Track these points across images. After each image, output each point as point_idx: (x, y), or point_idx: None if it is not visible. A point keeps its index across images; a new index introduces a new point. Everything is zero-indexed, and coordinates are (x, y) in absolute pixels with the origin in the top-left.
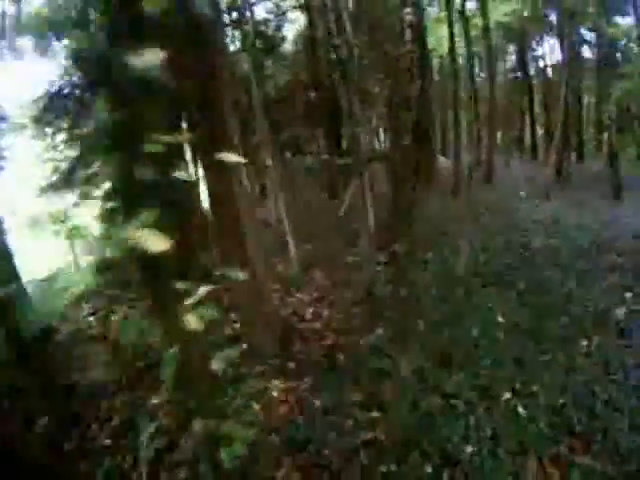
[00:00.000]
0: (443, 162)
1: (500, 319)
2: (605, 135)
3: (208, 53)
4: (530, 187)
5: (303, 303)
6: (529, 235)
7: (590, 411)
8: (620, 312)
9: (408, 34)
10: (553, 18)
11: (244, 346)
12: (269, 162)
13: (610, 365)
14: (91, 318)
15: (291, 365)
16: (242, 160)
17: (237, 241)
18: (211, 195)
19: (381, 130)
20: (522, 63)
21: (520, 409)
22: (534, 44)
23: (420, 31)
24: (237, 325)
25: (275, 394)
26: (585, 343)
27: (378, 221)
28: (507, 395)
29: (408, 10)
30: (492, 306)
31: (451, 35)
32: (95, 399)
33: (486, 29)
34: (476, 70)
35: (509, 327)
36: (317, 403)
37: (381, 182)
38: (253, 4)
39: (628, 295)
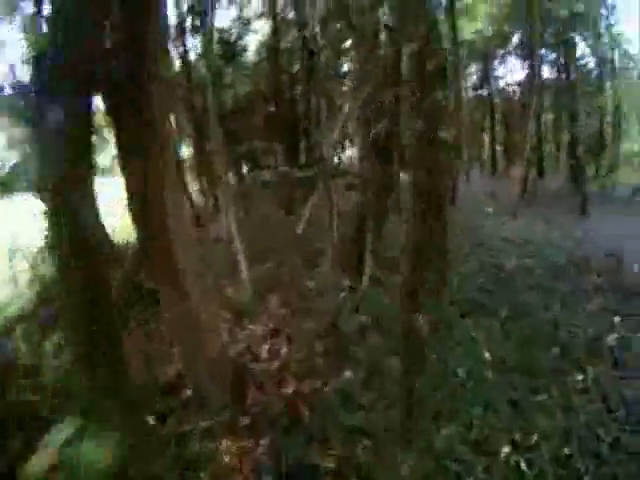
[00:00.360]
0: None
1: (486, 354)
2: (563, 152)
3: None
4: (494, 203)
5: (257, 337)
6: (501, 255)
7: (597, 457)
8: (611, 339)
9: (384, 37)
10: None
11: (188, 392)
12: (221, 173)
13: (609, 401)
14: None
15: (245, 420)
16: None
17: (167, 263)
18: (131, 200)
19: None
20: (485, 82)
21: (523, 465)
22: (495, 64)
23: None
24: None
25: (226, 459)
26: (580, 377)
27: (341, 237)
28: (506, 449)
29: (384, 10)
30: (475, 339)
31: None
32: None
33: (455, 46)
34: None
35: (497, 363)
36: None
37: (340, 198)
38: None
39: (616, 319)
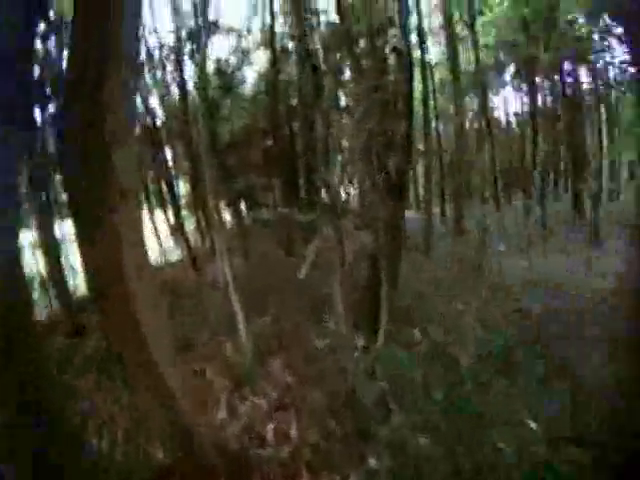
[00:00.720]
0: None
1: (531, 424)
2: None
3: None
4: (505, 236)
5: (260, 412)
6: (523, 298)
7: None
8: None
9: (393, 61)
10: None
11: None
12: (215, 212)
13: None
14: None
15: None
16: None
17: (130, 333)
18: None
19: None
20: (484, 112)
21: None
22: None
23: (408, 60)
24: None
25: None
26: None
27: (351, 284)
28: None
29: (394, 32)
30: (515, 405)
31: (424, 79)
32: None
33: (456, 78)
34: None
35: (546, 434)
36: None
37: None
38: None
39: None
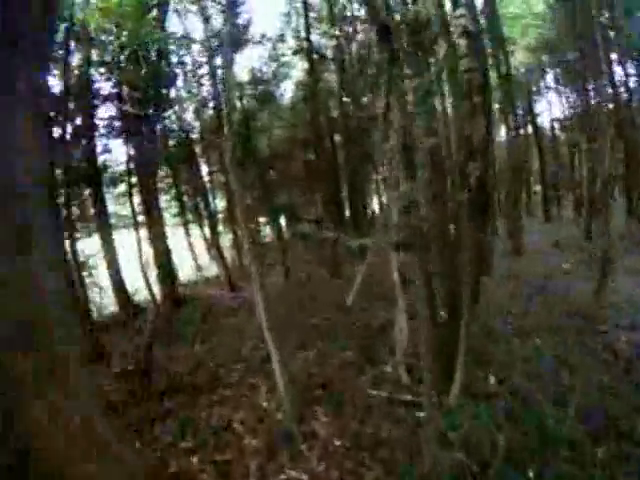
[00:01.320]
0: None
1: None
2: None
3: None
4: (567, 254)
5: None
6: (608, 332)
7: None
8: None
9: (463, 46)
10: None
11: None
12: (242, 232)
13: None
14: None
15: None
16: None
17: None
18: None
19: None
20: (531, 120)
21: None
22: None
23: (480, 45)
24: None
25: None
26: None
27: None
28: None
29: (461, 12)
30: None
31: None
32: None
33: (507, 79)
34: None
35: None
36: None
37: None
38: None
39: None
